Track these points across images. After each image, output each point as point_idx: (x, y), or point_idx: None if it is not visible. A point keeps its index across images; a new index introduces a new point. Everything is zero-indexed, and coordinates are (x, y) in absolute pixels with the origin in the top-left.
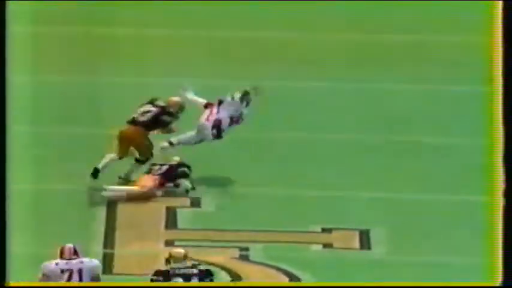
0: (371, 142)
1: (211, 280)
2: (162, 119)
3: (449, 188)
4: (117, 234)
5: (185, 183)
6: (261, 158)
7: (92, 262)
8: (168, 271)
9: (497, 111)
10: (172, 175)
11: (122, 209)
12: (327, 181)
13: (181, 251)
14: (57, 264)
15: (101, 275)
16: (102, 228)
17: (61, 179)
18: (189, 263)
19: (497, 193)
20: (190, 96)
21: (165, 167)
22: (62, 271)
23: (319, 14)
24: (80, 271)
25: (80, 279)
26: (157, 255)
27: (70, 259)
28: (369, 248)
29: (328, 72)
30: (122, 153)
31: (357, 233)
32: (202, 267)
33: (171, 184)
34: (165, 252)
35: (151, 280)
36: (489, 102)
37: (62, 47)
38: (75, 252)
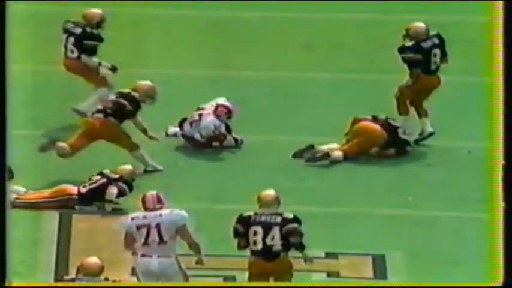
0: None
1: (295, 228)
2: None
3: (469, 201)
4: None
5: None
6: (250, 167)
7: (172, 214)
8: (250, 217)
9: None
10: (99, 193)
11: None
12: (331, 195)
13: (272, 193)
14: (132, 219)
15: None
16: (53, 257)
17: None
18: (276, 210)
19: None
20: None
21: (101, 181)
22: (138, 228)
23: None
24: (158, 226)
25: (160, 238)
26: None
27: (153, 209)
28: (385, 277)
29: (335, 61)
30: (80, 146)
31: (369, 259)
32: (288, 214)
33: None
34: None
35: (234, 229)
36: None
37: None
38: (159, 201)
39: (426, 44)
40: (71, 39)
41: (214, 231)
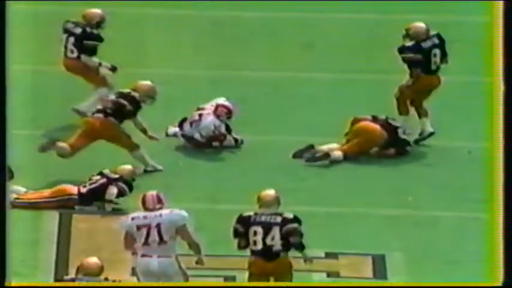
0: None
1: (295, 228)
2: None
3: (469, 201)
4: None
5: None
6: (250, 167)
7: (172, 214)
8: (250, 217)
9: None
10: (99, 192)
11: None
12: (331, 195)
13: (272, 193)
14: (133, 219)
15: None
16: (53, 257)
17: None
18: (276, 210)
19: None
20: None
21: (101, 181)
22: (139, 228)
23: None
24: (158, 227)
25: (160, 238)
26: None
27: (153, 209)
28: (385, 277)
29: (335, 61)
30: (80, 146)
31: (369, 259)
32: (288, 214)
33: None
34: None
35: (234, 229)
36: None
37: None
38: (160, 201)
39: (426, 44)
40: (71, 39)
41: (214, 231)
